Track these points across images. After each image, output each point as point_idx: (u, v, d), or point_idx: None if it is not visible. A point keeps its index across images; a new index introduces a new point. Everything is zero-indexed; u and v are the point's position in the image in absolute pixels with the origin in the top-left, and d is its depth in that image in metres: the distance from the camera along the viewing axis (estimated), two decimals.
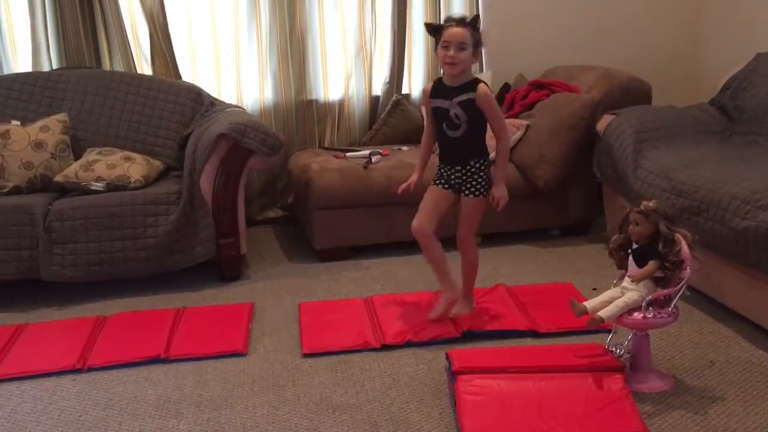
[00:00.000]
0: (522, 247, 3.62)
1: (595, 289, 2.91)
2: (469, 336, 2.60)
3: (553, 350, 2.39)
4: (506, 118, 3.77)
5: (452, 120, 2.59)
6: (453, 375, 2.23)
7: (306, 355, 2.54)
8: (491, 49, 4.28)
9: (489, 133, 2.63)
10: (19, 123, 3.40)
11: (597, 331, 2.48)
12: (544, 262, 3.41)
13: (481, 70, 4.29)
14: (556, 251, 3.56)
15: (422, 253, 2.76)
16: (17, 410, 2.26)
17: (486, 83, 2.61)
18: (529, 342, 2.57)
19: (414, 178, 2.80)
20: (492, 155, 2.69)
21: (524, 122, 3.65)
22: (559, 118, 3.53)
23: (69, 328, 2.80)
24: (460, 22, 2.55)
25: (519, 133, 3.62)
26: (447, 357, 2.36)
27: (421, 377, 2.37)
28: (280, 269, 3.48)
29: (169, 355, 2.55)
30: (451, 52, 2.51)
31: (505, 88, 4.16)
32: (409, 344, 2.58)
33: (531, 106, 3.75)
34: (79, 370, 2.48)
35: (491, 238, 3.64)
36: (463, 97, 2.55)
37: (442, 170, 2.70)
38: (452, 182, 2.67)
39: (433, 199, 2.70)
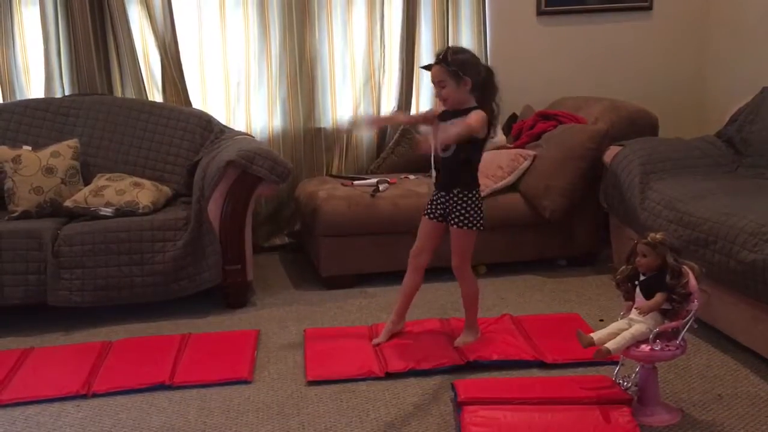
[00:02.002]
0: (528, 277, 3.62)
1: (601, 320, 2.91)
2: (475, 366, 2.58)
3: (559, 382, 2.38)
4: (513, 148, 3.81)
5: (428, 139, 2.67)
6: (459, 405, 2.22)
7: (311, 383, 2.53)
8: (498, 80, 4.32)
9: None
10: (30, 148, 3.43)
11: (604, 363, 2.45)
12: (551, 292, 3.40)
13: None
14: (563, 281, 3.55)
15: (404, 275, 2.83)
16: None
17: (485, 111, 2.62)
18: (535, 373, 2.55)
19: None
20: (484, 191, 2.72)
21: (531, 152, 3.67)
22: (566, 149, 3.55)
23: (74, 354, 2.80)
24: (436, 60, 2.60)
25: (526, 163, 3.63)
26: (453, 387, 2.35)
27: (427, 407, 2.35)
28: (286, 296, 3.48)
29: (173, 381, 2.54)
30: (437, 91, 2.61)
31: (513, 118, 4.19)
32: (413, 372, 2.57)
33: (538, 137, 3.77)
34: (83, 396, 2.48)
35: (497, 267, 3.64)
36: (458, 118, 2.59)
37: (433, 198, 2.75)
38: (437, 212, 2.71)
39: (424, 230, 2.78)
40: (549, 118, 3.84)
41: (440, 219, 2.72)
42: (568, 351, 2.59)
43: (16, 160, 3.35)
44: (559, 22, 4.39)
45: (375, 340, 2.80)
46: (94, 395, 2.48)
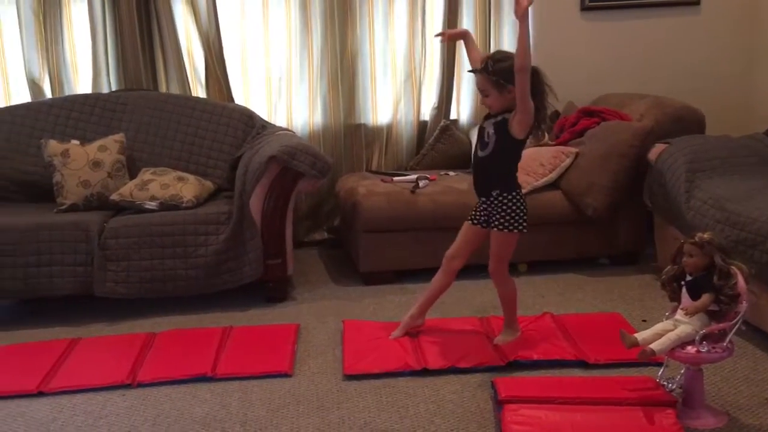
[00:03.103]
0: (569, 275, 3.58)
1: (644, 320, 2.86)
2: (515, 365, 2.57)
3: (602, 382, 2.35)
4: (555, 145, 3.77)
5: (484, 138, 2.61)
6: (499, 404, 2.21)
7: (349, 377, 2.55)
8: (549, 81, 4.28)
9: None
10: (78, 142, 3.51)
11: (647, 365, 2.42)
12: (592, 292, 3.36)
13: None
14: (605, 281, 3.50)
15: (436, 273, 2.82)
16: (69, 423, 2.31)
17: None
18: (576, 373, 2.53)
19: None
20: (524, 189, 2.68)
21: (574, 149, 3.62)
22: (610, 146, 3.50)
23: (119, 344, 2.86)
24: (480, 68, 2.54)
25: (568, 161, 3.59)
26: (493, 385, 2.34)
27: (466, 404, 2.34)
28: (325, 291, 3.51)
29: (215, 373, 2.58)
30: (482, 99, 2.60)
31: (555, 115, 4.13)
32: (453, 370, 2.56)
33: (581, 134, 3.73)
34: (128, 386, 2.53)
35: (538, 265, 3.61)
36: (499, 117, 2.57)
37: (477, 205, 2.73)
38: (481, 218, 2.69)
39: (464, 235, 2.76)
40: (592, 114, 3.79)
41: (483, 225, 2.69)
42: (610, 351, 2.56)
43: (65, 154, 3.42)
44: (603, 17, 4.33)
45: (393, 334, 2.80)
46: (139, 385, 2.53)
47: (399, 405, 2.36)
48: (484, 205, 2.67)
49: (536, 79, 2.54)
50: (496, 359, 2.59)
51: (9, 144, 3.62)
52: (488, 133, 2.59)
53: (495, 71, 2.50)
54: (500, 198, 2.61)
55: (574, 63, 4.29)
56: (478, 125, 2.74)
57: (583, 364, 2.56)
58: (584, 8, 4.30)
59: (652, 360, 2.23)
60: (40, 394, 2.49)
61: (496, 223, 2.63)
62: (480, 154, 2.63)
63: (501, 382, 2.33)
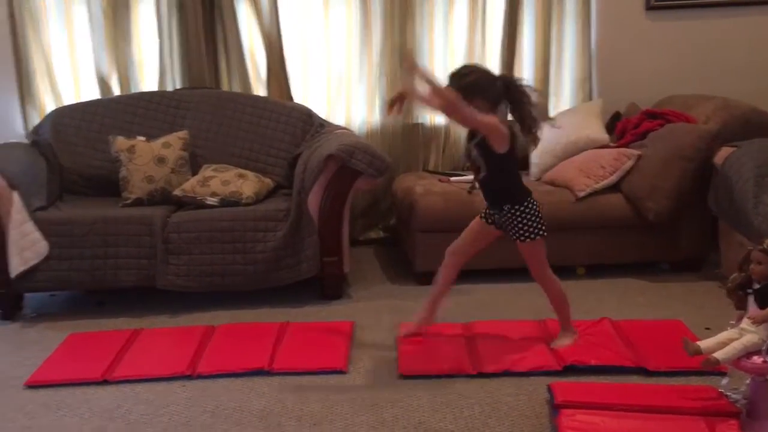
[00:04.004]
0: (629, 280, 3.51)
1: (708, 328, 2.78)
2: (571, 370, 2.53)
3: (662, 390, 2.30)
4: (617, 147, 3.70)
5: (474, 162, 2.62)
6: (555, 408, 2.19)
7: (404, 377, 2.55)
8: (602, 77, 4.22)
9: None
10: (144, 139, 3.61)
11: (710, 374, 2.35)
12: (652, 297, 3.29)
13: (590, 98, 4.22)
14: (666, 287, 3.42)
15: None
16: (132, 411, 2.38)
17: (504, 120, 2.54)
18: (634, 380, 2.48)
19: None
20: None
21: (636, 152, 3.55)
22: (674, 149, 3.41)
23: (180, 336, 2.93)
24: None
25: (629, 163, 3.52)
26: (549, 389, 2.32)
27: (522, 408, 2.32)
28: (381, 290, 3.52)
29: (272, 368, 2.62)
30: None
31: (616, 116, 4.07)
32: (507, 373, 2.54)
33: (643, 136, 3.64)
34: (188, 377, 2.59)
35: (596, 269, 3.56)
36: (478, 137, 2.55)
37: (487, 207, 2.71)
38: (493, 217, 2.68)
39: (471, 231, 2.74)
40: (656, 116, 3.70)
41: (495, 226, 2.68)
42: (671, 359, 2.50)
43: (131, 150, 3.53)
44: (669, 17, 4.22)
45: (402, 332, 2.81)
46: (199, 376, 2.59)
47: (453, 406, 2.35)
48: (498, 216, 2.65)
49: (511, 88, 2.52)
50: (553, 363, 2.56)
51: (78, 139, 3.74)
52: (475, 155, 2.59)
53: (458, 88, 2.44)
54: (512, 211, 2.58)
55: (638, 63, 4.21)
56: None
57: (642, 371, 2.51)
58: (649, 8, 4.21)
59: (715, 369, 2.17)
60: (105, 382, 2.57)
61: (517, 235, 2.60)
62: (480, 176, 2.63)
63: (557, 386, 2.30)
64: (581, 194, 3.50)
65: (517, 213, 2.58)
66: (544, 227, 2.62)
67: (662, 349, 2.60)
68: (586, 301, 3.17)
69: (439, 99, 2.40)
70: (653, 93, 4.07)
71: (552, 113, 4.23)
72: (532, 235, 2.59)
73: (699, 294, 3.30)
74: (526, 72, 4.21)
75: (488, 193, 2.65)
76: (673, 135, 3.48)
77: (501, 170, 2.57)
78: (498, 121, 2.47)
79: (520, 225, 2.58)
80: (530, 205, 2.60)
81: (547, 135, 3.84)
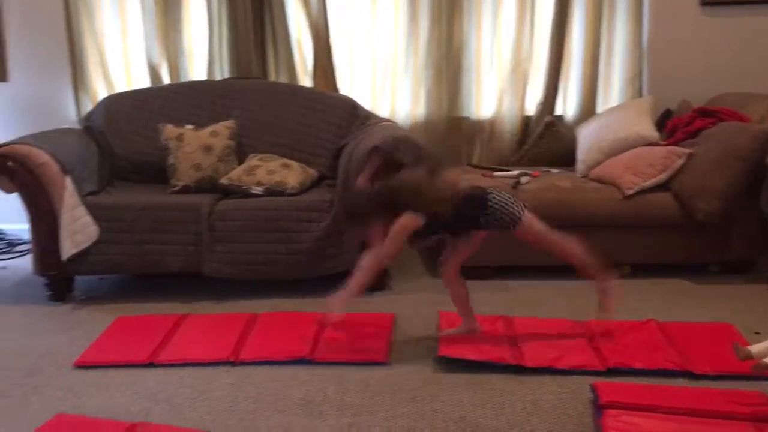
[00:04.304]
0: (675, 281, 3.44)
1: (758, 333, 2.72)
2: (615, 372, 2.49)
3: (709, 394, 2.25)
4: (667, 145, 3.63)
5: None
6: (599, 408, 2.16)
7: (443, 369, 2.55)
8: (653, 74, 4.15)
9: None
10: (192, 127, 3.66)
11: (760, 379, 2.30)
12: (700, 299, 3.22)
13: (640, 94, 4.15)
14: (714, 288, 3.35)
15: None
16: (176, 394, 2.42)
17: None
18: (680, 383, 2.43)
19: None
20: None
21: (687, 150, 3.47)
22: (727, 149, 3.33)
23: (224, 322, 2.97)
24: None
25: (680, 162, 3.45)
26: (592, 389, 2.29)
27: (564, 406, 2.30)
28: (422, 283, 3.52)
29: (314, 357, 2.64)
30: None
31: (667, 114, 3.99)
32: (549, 370, 2.52)
33: (695, 134, 3.57)
34: (232, 363, 2.63)
35: (642, 268, 3.50)
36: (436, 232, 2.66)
37: None
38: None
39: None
40: (708, 114, 3.62)
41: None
42: (719, 362, 2.44)
43: (180, 138, 3.58)
44: (724, 12, 4.12)
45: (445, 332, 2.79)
46: (242, 363, 2.62)
47: (494, 402, 2.34)
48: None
49: (393, 192, 2.51)
50: (596, 363, 2.53)
51: (129, 126, 3.81)
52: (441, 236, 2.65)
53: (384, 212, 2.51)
54: (486, 218, 2.57)
55: (691, 60, 4.13)
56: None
57: (688, 375, 2.46)
58: (704, 3, 4.11)
59: (766, 374, 2.12)
60: (151, 365, 2.62)
61: (507, 227, 2.58)
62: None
63: (601, 386, 2.27)
64: (629, 192, 3.44)
65: (486, 224, 2.57)
66: (517, 213, 2.57)
67: (710, 352, 2.54)
68: (631, 301, 3.12)
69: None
70: (706, 90, 3.98)
71: (599, 109, 4.19)
72: (514, 225, 2.56)
73: (748, 297, 3.22)
74: (574, 68, 4.16)
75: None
76: (726, 134, 3.40)
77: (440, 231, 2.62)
78: (401, 225, 2.48)
79: (502, 218, 2.56)
80: (491, 211, 2.55)
81: (593, 131, 3.84)
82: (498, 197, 2.58)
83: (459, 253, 2.73)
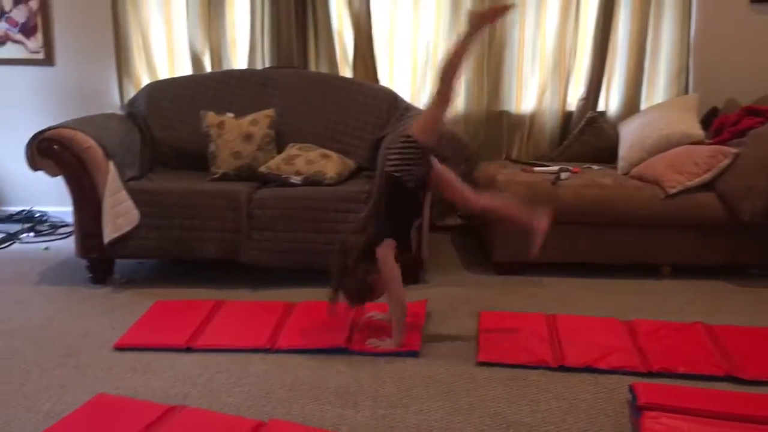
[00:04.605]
0: (717, 282, 3.37)
1: None
2: (657, 376, 2.44)
3: (755, 399, 2.20)
4: (713, 143, 3.55)
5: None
6: (638, 409, 2.12)
7: (481, 364, 2.54)
8: (699, 71, 4.06)
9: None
10: (233, 115, 3.68)
11: None
12: (744, 303, 3.15)
13: (686, 91, 4.07)
14: (757, 291, 3.28)
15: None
16: (213, 379, 2.44)
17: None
18: (724, 387, 2.38)
19: None
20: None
21: (733, 150, 3.39)
22: None
23: (261, 309, 2.99)
24: None
25: (726, 161, 3.37)
26: (631, 389, 2.25)
27: (601, 406, 2.27)
28: (457, 277, 3.50)
29: (350, 347, 2.64)
30: None
31: (713, 112, 3.90)
32: (588, 369, 2.49)
33: (742, 134, 3.48)
34: (267, 350, 2.64)
35: (682, 269, 3.44)
36: None
37: None
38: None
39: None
40: (758, 114, 3.53)
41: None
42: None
43: (221, 125, 3.61)
44: None
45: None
46: (278, 351, 2.64)
47: (530, 398, 2.32)
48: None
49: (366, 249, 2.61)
50: (638, 365, 2.48)
51: (171, 113, 3.85)
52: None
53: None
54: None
55: (739, 57, 4.04)
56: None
57: (734, 380, 2.40)
58: (754, 0, 4.00)
59: None
60: (189, 349, 2.65)
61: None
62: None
63: (641, 387, 2.24)
64: (672, 191, 3.38)
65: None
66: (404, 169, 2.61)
67: (759, 357, 2.48)
68: (672, 302, 3.07)
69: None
70: (754, 89, 3.89)
71: (643, 105, 4.12)
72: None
73: None
74: (618, 63, 4.10)
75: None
76: None
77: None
78: (383, 258, 2.61)
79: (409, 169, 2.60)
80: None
81: (637, 128, 3.77)
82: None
83: (450, 185, 2.76)
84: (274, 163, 3.49)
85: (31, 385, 2.39)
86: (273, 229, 3.27)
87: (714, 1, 4.01)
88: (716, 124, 3.72)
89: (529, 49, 4.09)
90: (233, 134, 3.58)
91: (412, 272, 3.39)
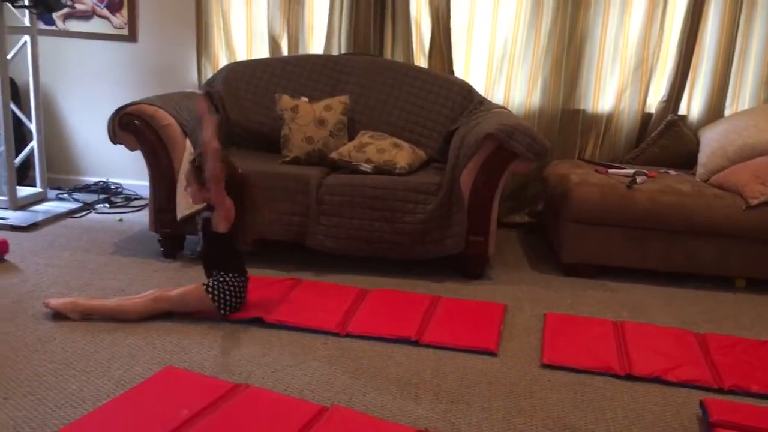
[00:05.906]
0: None
1: None
2: (728, 393, 2.37)
3: None
4: None
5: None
6: (709, 426, 2.06)
7: (545, 366, 2.50)
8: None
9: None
10: (307, 100, 3.71)
11: None
12: None
13: None
14: None
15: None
16: (277, 360, 2.48)
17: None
18: None
19: None
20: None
21: None
22: None
23: (335, 293, 3.02)
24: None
25: None
26: (702, 405, 2.19)
27: (669, 419, 2.21)
28: (522, 276, 3.46)
29: (420, 339, 2.63)
30: None
31: None
32: (656, 380, 2.43)
33: None
34: (336, 334, 2.66)
35: (758, 283, 3.32)
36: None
37: None
38: None
39: None
40: None
41: None
42: None
43: (295, 109, 3.64)
44: None
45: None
46: (347, 335, 2.66)
47: (595, 406, 2.28)
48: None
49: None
50: (709, 379, 2.41)
51: (247, 94, 3.90)
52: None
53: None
54: (218, 277, 2.74)
55: None
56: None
57: None
58: None
59: None
60: (260, 321, 2.71)
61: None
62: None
63: (712, 403, 2.17)
64: (754, 202, 3.25)
65: (221, 282, 2.73)
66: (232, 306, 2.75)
67: None
68: (745, 316, 2.97)
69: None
70: None
71: (728, 111, 3.98)
72: (224, 309, 2.73)
73: None
74: (704, 65, 3.95)
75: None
76: None
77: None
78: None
79: (220, 294, 2.72)
80: (234, 281, 2.75)
81: (719, 134, 3.63)
82: (238, 286, 2.79)
83: None
84: (345, 150, 3.50)
85: (103, 352, 2.47)
86: (340, 215, 3.29)
87: None
88: None
89: (610, 47, 3.99)
90: (306, 119, 3.61)
91: (478, 267, 3.36)
